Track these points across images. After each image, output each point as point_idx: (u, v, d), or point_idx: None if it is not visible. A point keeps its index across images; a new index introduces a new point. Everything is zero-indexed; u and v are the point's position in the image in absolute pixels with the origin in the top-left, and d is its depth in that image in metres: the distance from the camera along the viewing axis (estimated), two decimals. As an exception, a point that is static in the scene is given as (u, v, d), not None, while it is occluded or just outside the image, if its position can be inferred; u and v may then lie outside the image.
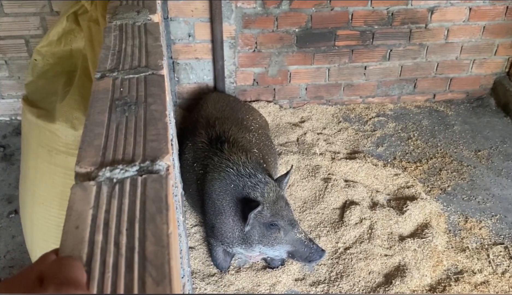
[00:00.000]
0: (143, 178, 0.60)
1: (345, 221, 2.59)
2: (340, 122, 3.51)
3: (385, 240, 2.51)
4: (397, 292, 2.24)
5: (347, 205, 2.69)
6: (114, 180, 0.59)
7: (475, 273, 2.37)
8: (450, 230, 2.62)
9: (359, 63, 3.49)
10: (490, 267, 2.40)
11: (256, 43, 3.25)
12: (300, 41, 3.30)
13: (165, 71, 1.03)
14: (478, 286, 2.31)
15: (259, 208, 1.99)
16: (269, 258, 2.39)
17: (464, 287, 2.29)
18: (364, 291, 2.27)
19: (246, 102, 3.39)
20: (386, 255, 2.43)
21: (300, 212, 2.70)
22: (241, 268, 2.40)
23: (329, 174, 2.92)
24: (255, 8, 3.10)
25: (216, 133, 2.48)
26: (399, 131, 3.44)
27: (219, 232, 2.22)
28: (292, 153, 3.09)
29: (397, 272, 2.34)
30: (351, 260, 2.40)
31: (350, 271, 2.35)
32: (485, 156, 3.20)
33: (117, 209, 0.55)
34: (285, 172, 2.31)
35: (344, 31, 3.30)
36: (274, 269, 2.38)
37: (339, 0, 3.16)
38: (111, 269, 0.48)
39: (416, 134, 3.41)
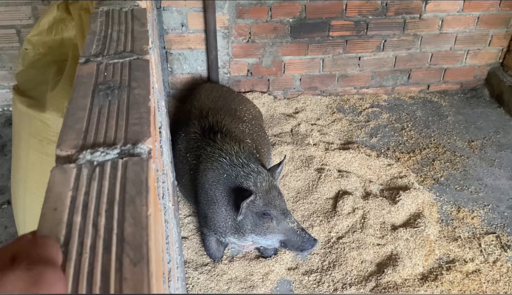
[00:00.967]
0: (124, 161, 0.59)
1: (338, 211, 2.60)
2: (334, 113, 3.51)
3: (377, 230, 2.52)
4: (389, 281, 2.25)
5: (340, 195, 2.70)
6: (95, 163, 0.58)
7: (467, 262, 2.38)
8: (442, 220, 2.63)
9: (353, 53, 3.48)
10: (482, 256, 2.42)
11: (250, 33, 3.23)
12: (294, 32, 3.28)
13: (152, 58, 1.02)
14: (470, 275, 2.32)
15: (251, 198, 1.99)
16: (262, 248, 2.39)
17: (456, 276, 2.30)
18: (356, 280, 2.28)
19: (240, 92, 3.38)
20: (378, 245, 2.44)
21: (293, 202, 2.70)
22: (234, 258, 2.40)
23: (322, 164, 2.92)
24: (249, -3, 3.09)
25: (209, 123, 2.47)
26: (393, 121, 3.45)
27: (211, 222, 2.23)
28: (286, 143, 3.09)
29: (389, 261, 2.35)
30: (344, 249, 2.41)
31: (343, 260, 2.36)
32: (478, 146, 3.21)
33: (97, 191, 0.55)
34: (278, 162, 2.31)
35: (338, 21, 3.29)
36: (267, 258, 2.39)
37: (333, -10, 3.15)
38: (88, 250, 0.48)
39: (409, 125, 3.41)
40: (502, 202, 2.78)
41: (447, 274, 2.31)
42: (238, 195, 2.08)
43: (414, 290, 2.21)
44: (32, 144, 1.92)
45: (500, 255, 2.43)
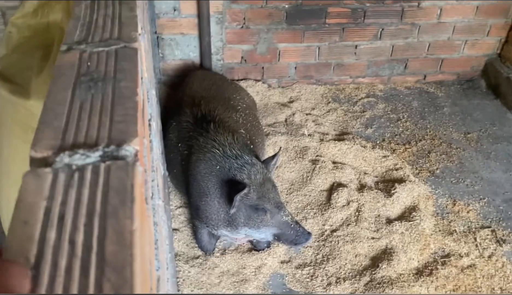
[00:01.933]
0: (107, 165, 0.52)
1: (332, 204, 2.55)
2: (329, 102, 3.44)
3: (372, 223, 2.47)
4: (383, 276, 2.21)
5: (334, 187, 2.65)
6: (74, 167, 0.52)
7: (462, 257, 2.35)
8: (438, 213, 2.60)
9: (350, 42, 3.41)
10: (477, 250, 2.39)
11: (244, 19, 3.14)
12: (290, 18, 3.20)
13: (142, 45, 0.94)
14: (465, 270, 2.29)
15: (245, 191, 1.93)
16: (255, 241, 2.34)
17: (451, 271, 2.27)
18: (351, 274, 2.24)
19: (233, 80, 3.30)
20: (373, 238, 2.40)
21: (287, 194, 2.65)
22: (226, 251, 2.35)
23: (317, 155, 2.87)
24: (244, -18, 2.99)
25: (201, 112, 2.40)
26: (389, 112, 3.39)
27: (204, 214, 2.17)
28: (280, 134, 3.03)
29: (384, 255, 2.31)
30: (338, 243, 2.37)
31: (337, 254, 2.32)
32: (475, 138, 3.17)
33: (75, 201, 0.48)
34: (272, 153, 2.25)
35: (335, 8, 3.21)
36: (260, 251, 2.34)
37: (330, -25, 3.06)
38: (63, 272, 0.41)
39: (405, 116, 3.36)
40: (498, 195, 2.74)
41: (442, 269, 2.28)
42: (232, 187, 2.02)
43: (409, 285, 2.17)
44: (16, 132, 1.83)
45: (495, 250, 2.40)
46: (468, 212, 2.61)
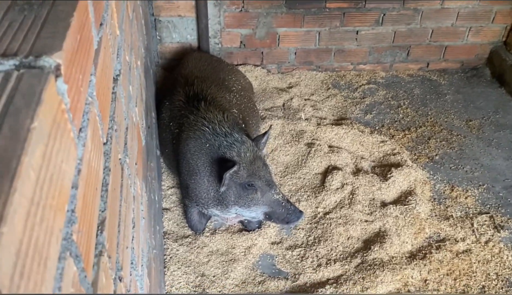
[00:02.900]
0: (20, 73, 0.50)
1: (326, 186, 2.51)
2: (329, 88, 3.39)
3: (366, 206, 2.43)
4: (375, 258, 2.16)
5: (329, 170, 2.60)
6: (-15, 74, 0.49)
7: (458, 242, 2.29)
8: (434, 198, 2.54)
9: (351, 27, 3.35)
10: (474, 236, 2.33)
11: (243, 2, 3.11)
12: (290, 1, 3.15)
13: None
14: (460, 254, 2.24)
15: (235, 168, 1.90)
16: (246, 221, 2.31)
17: (445, 255, 2.22)
18: (342, 256, 2.20)
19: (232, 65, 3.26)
20: (366, 221, 2.35)
21: (281, 177, 2.61)
22: (217, 230, 2.32)
23: (313, 139, 2.82)
24: (242, -36, 2.96)
25: (194, 91, 2.37)
26: (389, 99, 3.33)
27: (193, 193, 2.14)
28: (277, 118, 2.99)
29: (377, 238, 2.26)
30: (330, 225, 2.33)
31: (328, 236, 2.28)
32: (476, 126, 3.10)
33: (-23, 102, 0.45)
34: (263, 132, 2.21)
35: (335, -8, 3.16)
36: (251, 232, 2.31)
37: (330, -42, 3.01)
38: None
39: (406, 103, 3.30)
40: (498, 182, 2.67)
41: (436, 253, 2.22)
42: (221, 165, 1.99)
43: (401, 267, 2.12)
44: None
45: (492, 236, 2.34)
46: (466, 198, 2.55)
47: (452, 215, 2.44)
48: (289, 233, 2.33)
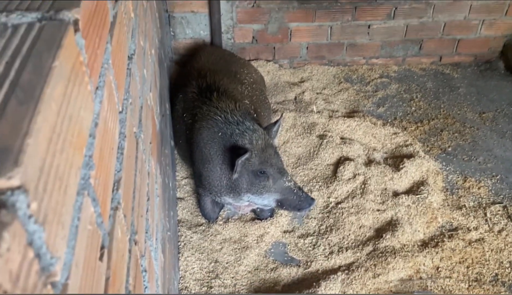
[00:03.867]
0: (42, 24, 0.54)
1: (338, 177, 2.53)
2: (341, 82, 3.41)
3: (378, 196, 2.44)
4: (387, 246, 2.17)
5: (341, 161, 2.62)
6: (9, 24, 0.53)
7: (470, 231, 2.29)
8: (447, 189, 2.54)
9: (363, 21, 3.36)
10: (487, 225, 2.32)
11: (255, -3, 3.15)
12: (301, -4, 3.18)
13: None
14: (473, 243, 2.23)
15: (247, 155, 1.93)
16: (258, 210, 2.34)
17: (458, 244, 2.22)
18: (353, 244, 2.21)
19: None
20: (378, 210, 2.36)
21: (293, 168, 2.64)
22: (230, 219, 2.36)
23: (325, 131, 2.84)
24: (254, -41, 3.00)
25: (206, 83, 2.41)
26: (402, 92, 3.34)
27: (206, 181, 2.18)
28: (288, 110, 3.02)
29: (389, 227, 2.28)
30: (342, 214, 2.34)
31: (340, 225, 2.29)
32: (490, 118, 3.08)
33: (2, 47, 0.49)
34: (275, 121, 2.24)
35: (346, -14, 3.18)
36: (263, 220, 2.34)
37: (341, -48, 3.03)
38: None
39: (419, 96, 3.30)
40: (511, 173, 2.66)
41: (448, 241, 2.23)
42: (234, 153, 2.03)
43: (412, 255, 2.13)
44: None
45: (506, 225, 2.33)
46: (479, 188, 2.54)
47: (464, 205, 2.44)
48: (301, 222, 2.35)
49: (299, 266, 2.15)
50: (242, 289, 2.04)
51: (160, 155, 1.62)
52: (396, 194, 2.45)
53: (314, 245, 2.23)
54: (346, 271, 2.08)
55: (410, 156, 2.68)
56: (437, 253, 2.16)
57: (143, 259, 0.94)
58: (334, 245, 2.22)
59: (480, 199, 2.48)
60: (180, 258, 2.11)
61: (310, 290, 1.98)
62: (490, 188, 2.56)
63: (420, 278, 2.07)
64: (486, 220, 2.36)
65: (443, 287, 2.03)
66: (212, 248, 2.19)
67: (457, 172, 2.66)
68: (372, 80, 3.45)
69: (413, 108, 3.18)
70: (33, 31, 0.52)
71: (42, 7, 0.57)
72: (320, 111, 3.03)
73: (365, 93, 3.32)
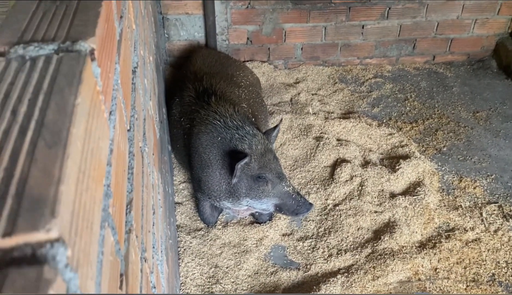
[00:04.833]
0: (60, 56, 0.53)
1: (335, 179, 2.54)
2: (336, 83, 3.42)
3: (375, 197, 2.46)
4: (385, 248, 2.19)
5: (338, 163, 2.63)
6: (27, 57, 0.53)
7: (467, 231, 2.31)
8: (443, 189, 2.56)
9: (357, 21, 3.38)
10: (483, 225, 2.35)
11: (249, -1, 3.14)
12: (295, -3, 3.19)
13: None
14: (469, 243, 2.26)
15: (246, 160, 1.94)
16: (257, 214, 2.35)
17: (455, 244, 2.24)
18: (352, 246, 2.23)
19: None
20: (375, 212, 2.38)
21: (290, 171, 2.64)
22: (228, 223, 2.36)
23: (321, 133, 2.85)
24: (248, -39, 2.99)
25: (203, 86, 2.41)
26: (396, 92, 3.36)
27: (206, 186, 2.18)
28: (285, 112, 3.02)
29: (387, 228, 2.29)
30: (340, 217, 2.36)
31: (339, 227, 2.31)
32: (484, 117, 3.11)
33: (23, 82, 0.49)
34: (274, 126, 2.25)
35: (340, -13, 3.19)
36: (262, 224, 2.34)
37: (335, -47, 3.04)
38: (0, 134, 0.42)
39: (413, 95, 3.32)
40: (506, 172, 2.69)
41: (446, 242, 2.25)
42: (233, 157, 2.03)
43: (411, 257, 2.15)
44: None
45: (502, 225, 2.36)
46: (474, 188, 2.57)
47: (461, 205, 2.46)
48: (300, 225, 2.36)
49: (299, 269, 2.16)
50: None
51: (161, 163, 1.62)
52: (393, 195, 2.47)
53: (313, 248, 2.24)
54: (346, 274, 2.09)
55: (406, 156, 2.70)
56: (435, 254, 2.19)
57: (152, 276, 0.94)
58: (333, 248, 2.23)
59: (475, 199, 2.51)
60: (180, 264, 2.11)
61: (311, 294, 2.00)
62: (485, 187, 2.58)
63: (419, 279, 2.09)
64: (482, 220, 2.38)
65: (442, 288, 2.06)
66: (212, 253, 2.19)
67: (453, 172, 2.69)
68: (366, 80, 3.46)
69: (407, 108, 3.20)
70: (52, 64, 0.52)
71: (58, 35, 0.57)
72: (316, 112, 3.04)
73: (359, 93, 3.33)
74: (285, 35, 3.37)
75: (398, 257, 2.14)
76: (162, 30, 3.11)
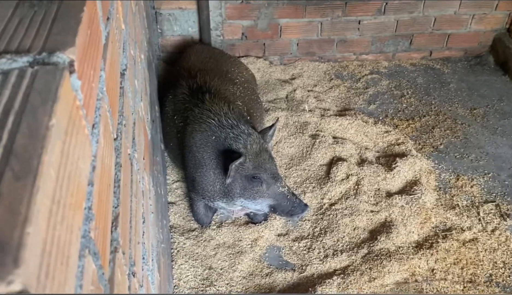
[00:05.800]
0: (34, 69, 0.49)
1: (331, 178, 2.50)
2: (332, 79, 3.38)
3: (371, 196, 2.42)
4: (382, 248, 2.16)
5: (334, 162, 2.60)
6: (-2, 71, 0.48)
7: (464, 231, 2.29)
8: (440, 188, 2.54)
9: (353, 17, 3.33)
10: (480, 224, 2.33)
11: (244, -7, 3.08)
12: (291, -8, 3.13)
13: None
14: (467, 243, 2.24)
15: (241, 160, 1.90)
16: (252, 214, 2.31)
17: (452, 244, 2.22)
18: (348, 246, 2.20)
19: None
20: (372, 211, 2.35)
21: (286, 169, 2.61)
22: (223, 223, 2.32)
23: (317, 130, 2.82)
24: (243, -45, 2.93)
25: (197, 84, 2.36)
26: (393, 88, 3.32)
27: (199, 186, 2.14)
28: (280, 109, 2.98)
29: (383, 228, 2.26)
30: (336, 216, 2.32)
31: (335, 227, 2.28)
32: (481, 114, 3.08)
33: (-8, 101, 0.45)
34: (270, 125, 2.21)
35: (337, -19, 3.13)
36: (257, 224, 2.31)
37: None
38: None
39: (410, 92, 3.28)
40: (503, 170, 2.67)
41: (443, 242, 2.22)
42: (227, 157, 1.99)
43: (408, 257, 2.12)
44: None
45: (499, 224, 2.34)
46: (471, 186, 2.55)
47: (458, 204, 2.44)
48: (295, 225, 2.33)
49: (294, 270, 2.13)
50: (237, 296, 2.02)
51: (152, 165, 1.58)
52: (389, 195, 2.44)
53: (308, 248, 2.21)
54: (342, 275, 2.06)
55: (402, 155, 2.67)
56: (431, 254, 2.16)
57: (141, 290, 0.90)
58: (328, 248, 2.20)
59: (473, 198, 2.49)
60: (173, 266, 2.07)
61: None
62: (482, 186, 2.56)
63: (416, 280, 2.07)
64: (479, 220, 2.36)
65: (439, 289, 2.03)
66: (205, 254, 2.16)
67: (450, 170, 2.66)
68: (362, 76, 3.42)
69: (404, 105, 3.16)
70: (25, 79, 0.47)
71: (33, 46, 0.53)
72: (312, 109, 2.99)
73: (356, 90, 3.29)
74: (280, 30, 3.32)
75: (394, 258, 2.11)
76: (155, 25, 3.05)
